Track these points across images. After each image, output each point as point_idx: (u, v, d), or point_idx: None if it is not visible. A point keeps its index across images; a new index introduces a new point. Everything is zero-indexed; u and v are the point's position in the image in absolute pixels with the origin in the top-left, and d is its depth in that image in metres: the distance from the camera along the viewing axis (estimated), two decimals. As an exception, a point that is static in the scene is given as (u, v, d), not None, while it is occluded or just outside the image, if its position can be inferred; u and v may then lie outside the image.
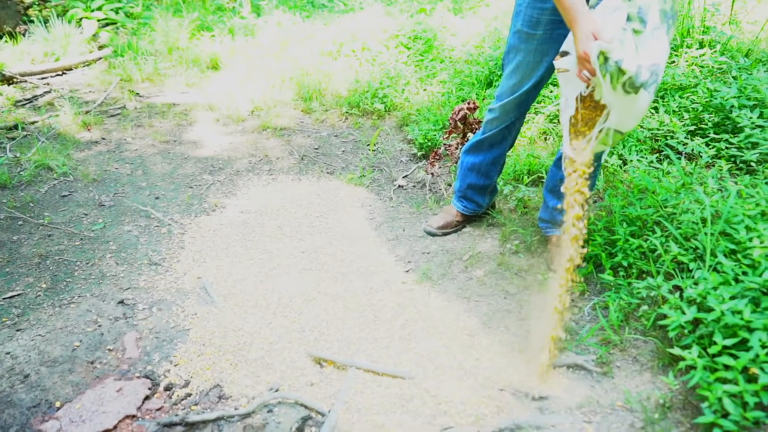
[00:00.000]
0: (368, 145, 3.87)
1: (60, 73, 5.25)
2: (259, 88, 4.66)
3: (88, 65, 5.43)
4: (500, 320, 2.28)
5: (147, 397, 1.97)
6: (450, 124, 3.12)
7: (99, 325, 2.28)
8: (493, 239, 2.78)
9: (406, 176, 3.48)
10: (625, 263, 2.26)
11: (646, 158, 2.91)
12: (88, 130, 4.08)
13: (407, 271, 2.61)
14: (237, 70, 5.05)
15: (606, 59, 1.68)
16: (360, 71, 4.63)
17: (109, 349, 2.17)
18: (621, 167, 2.96)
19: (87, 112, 4.30)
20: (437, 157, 3.22)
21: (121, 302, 2.42)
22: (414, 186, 3.38)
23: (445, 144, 3.25)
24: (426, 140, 3.63)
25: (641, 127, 3.17)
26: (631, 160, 2.91)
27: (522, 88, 2.34)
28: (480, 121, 3.13)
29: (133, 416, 1.90)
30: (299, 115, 4.40)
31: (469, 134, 3.16)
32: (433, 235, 2.86)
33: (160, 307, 2.40)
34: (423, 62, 4.69)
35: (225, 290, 2.51)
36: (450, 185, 3.29)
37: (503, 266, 2.58)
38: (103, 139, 3.97)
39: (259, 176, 3.52)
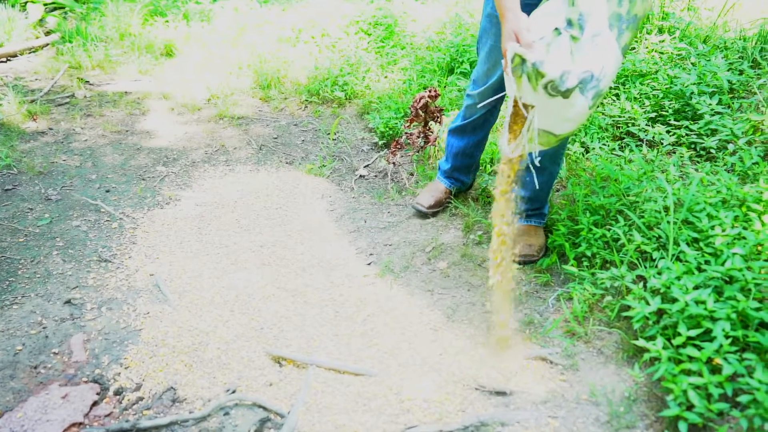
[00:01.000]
0: (328, 134, 3.78)
1: (3, 60, 4.99)
2: (215, 76, 4.52)
3: (33, 52, 5.18)
4: (464, 313, 2.23)
5: (95, 403, 1.87)
6: (411, 112, 3.06)
7: (44, 327, 2.16)
8: (456, 230, 2.74)
9: (367, 166, 3.40)
10: (588, 253, 2.24)
11: (608, 145, 2.90)
12: (34, 119, 3.89)
13: (369, 264, 2.55)
14: (192, 57, 4.88)
15: (523, 60, 1.67)
16: (319, 58, 4.52)
17: (55, 353, 2.05)
18: (584, 155, 2.94)
19: (33, 101, 4.10)
20: (398, 146, 3.15)
21: (68, 302, 2.29)
22: (375, 176, 3.31)
23: (406, 133, 3.19)
24: (387, 129, 3.56)
25: (602, 114, 3.15)
26: (594, 148, 2.90)
27: (496, 73, 2.33)
28: (441, 110, 3.08)
29: (80, 424, 1.80)
30: (257, 103, 4.28)
31: (431, 123, 3.11)
32: (424, 215, 2.83)
33: (110, 307, 2.29)
34: (384, 49, 4.60)
35: (179, 287, 2.40)
36: (412, 174, 3.23)
37: (467, 257, 2.53)
38: (50, 129, 3.79)
39: (216, 167, 3.41)
